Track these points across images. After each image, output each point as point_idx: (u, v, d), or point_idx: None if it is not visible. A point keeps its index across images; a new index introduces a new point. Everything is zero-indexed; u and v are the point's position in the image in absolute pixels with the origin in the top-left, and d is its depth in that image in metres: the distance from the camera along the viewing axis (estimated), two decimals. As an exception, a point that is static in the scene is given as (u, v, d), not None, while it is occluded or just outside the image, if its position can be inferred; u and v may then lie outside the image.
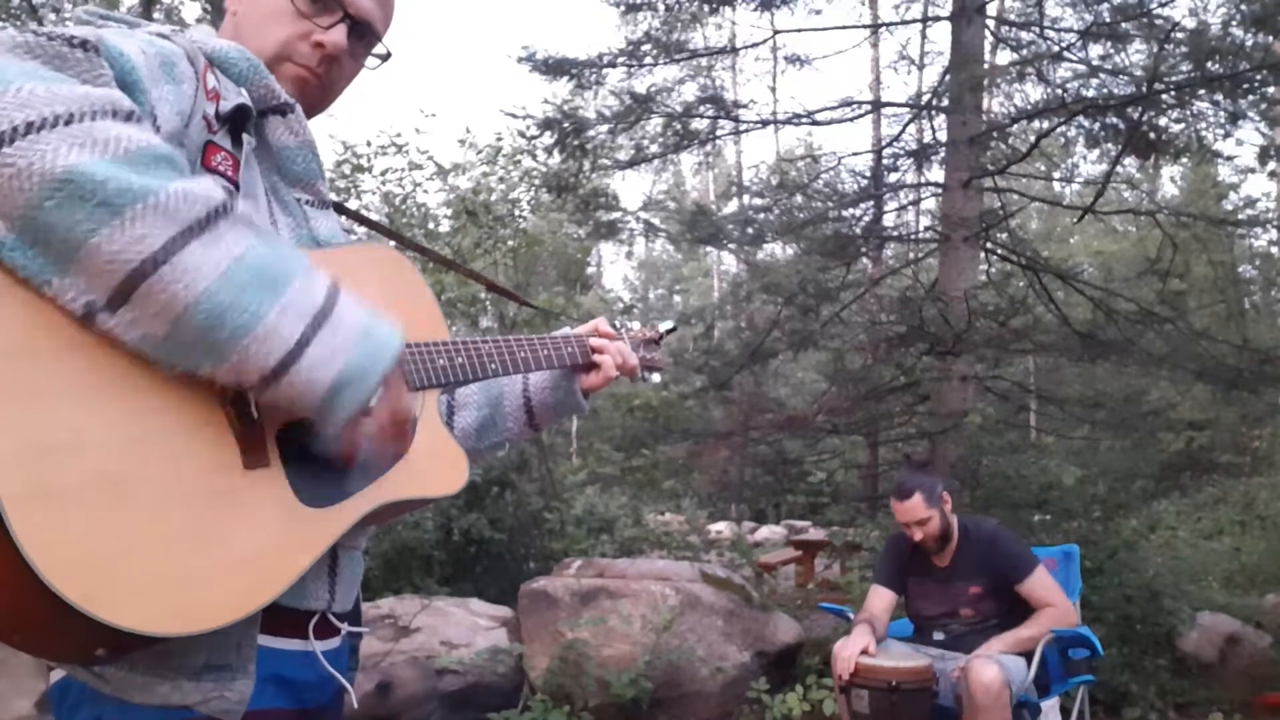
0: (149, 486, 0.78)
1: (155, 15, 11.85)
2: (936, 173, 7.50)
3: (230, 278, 0.77)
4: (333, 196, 1.20)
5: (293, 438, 0.89)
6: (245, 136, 0.99)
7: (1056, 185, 14.64)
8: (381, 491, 0.98)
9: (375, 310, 0.90)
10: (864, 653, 3.12)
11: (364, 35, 1.13)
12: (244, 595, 0.83)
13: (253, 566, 0.84)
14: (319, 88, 1.12)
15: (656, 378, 1.56)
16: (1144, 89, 5.99)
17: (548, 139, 7.33)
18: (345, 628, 1.08)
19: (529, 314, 7.37)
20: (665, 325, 1.61)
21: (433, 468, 1.06)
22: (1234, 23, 6.10)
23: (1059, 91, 7.07)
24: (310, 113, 1.12)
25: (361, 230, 1.56)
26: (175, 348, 0.78)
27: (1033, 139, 7.05)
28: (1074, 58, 7.06)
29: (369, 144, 9.14)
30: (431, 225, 9.86)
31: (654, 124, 7.51)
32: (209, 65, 0.98)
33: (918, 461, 3.61)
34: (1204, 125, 6.80)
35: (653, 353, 1.55)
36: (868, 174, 7.92)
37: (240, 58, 1.01)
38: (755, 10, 7.49)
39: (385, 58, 1.18)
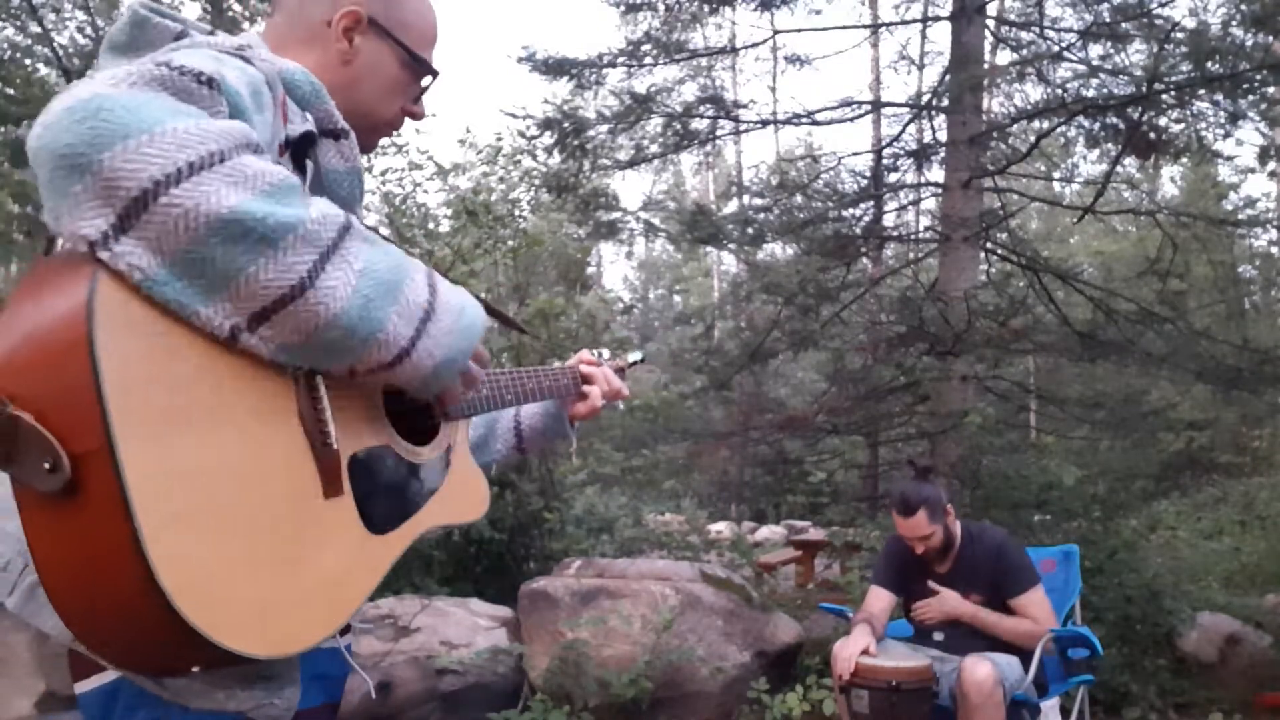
0: (247, 513, 0.82)
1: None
2: (936, 173, 7.51)
3: (359, 292, 0.84)
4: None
5: (359, 468, 0.96)
6: (307, 163, 1.03)
7: (1056, 185, 14.64)
8: (425, 519, 1.06)
9: (461, 290, 0.99)
10: (864, 653, 3.12)
11: None
12: (326, 618, 0.89)
13: (333, 590, 0.90)
14: None
15: (620, 406, 1.67)
16: (1144, 89, 6.00)
17: (548, 139, 7.34)
18: (355, 624, 1.14)
19: (530, 313, 7.37)
20: (634, 356, 1.69)
21: (464, 495, 1.14)
22: (1234, 23, 6.10)
23: (1059, 91, 7.07)
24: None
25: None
26: (308, 353, 0.86)
27: (1033, 139, 7.05)
28: (1074, 58, 7.06)
29: (369, 144, 9.12)
30: (431, 225, 9.86)
31: (654, 124, 7.51)
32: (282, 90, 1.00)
33: (920, 468, 3.60)
34: (1204, 125, 6.81)
35: (622, 380, 1.62)
36: (868, 174, 7.92)
37: (304, 80, 1.03)
38: (755, 10, 7.50)
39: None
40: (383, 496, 0.99)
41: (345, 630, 1.11)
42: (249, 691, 0.91)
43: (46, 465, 0.70)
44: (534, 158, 8.83)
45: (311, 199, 0.84)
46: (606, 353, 1.60)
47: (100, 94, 0.74)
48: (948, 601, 3.33)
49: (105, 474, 0.71)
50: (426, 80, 1.19)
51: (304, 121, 1.01)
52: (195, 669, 0.81)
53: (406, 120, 1.22)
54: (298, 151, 1.01)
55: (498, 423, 1.46)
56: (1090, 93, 6.97)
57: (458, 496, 1.12)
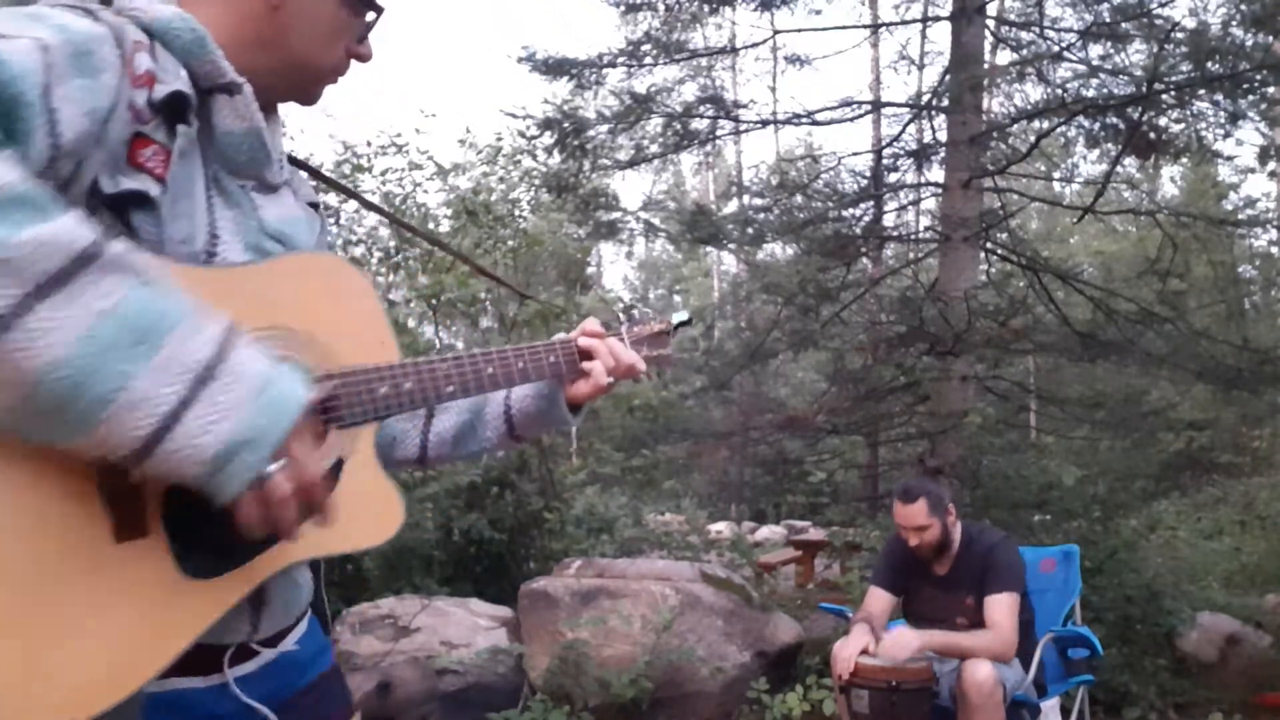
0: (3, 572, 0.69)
1: None
2: (936, 173, 7.49)
3: (92, 338, 0.66)
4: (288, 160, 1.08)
5: (180, 501, 0.79)
6: (181, 127, 0.87)
7: (1056, 185, 14.62)
8: (288, 552, 0.87)
9: (283, 355, 0.80)
10: (863, 653, 3.12)
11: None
12: (95, 691, 0.73)
13: (113, 653, 0.75)
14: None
15: (664, 373, 1.44)
16: (1144, 89, 5.99)
17: (548, 139, 7.33)
18: (266, 651, 0.98)
19: (530, 314, 7.36)
20: (678, 317, 1.41)
21: (358, 516, 0.93)
22: (1234, 23, 6.09)
23: (1059, 91, 7.06)
24: (289, 103, 1.06)
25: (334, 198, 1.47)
26: (29, 421, 0.68)
27: (1033, 139, 7.04)
28: (1074, 58, 7.06)
29: (369, 144, 9.14)
30: (432, 225, 9.87)
31: (654, 124, 7.50)
32: (144, 45, 0.85)
33: (930, 468, 3.60)
34: (1204, 125, 6.79)
35: (660, 349, 1.38)
36: (868, 174, 7.91)
37: (184, 28, 0.88)
38: (755, 10, 7.49)
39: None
40: (215, 531, 0.79)
41: (243, 656, 0.96)
42: None
43: None
44: (534, 158, 8.84)
45: (55, 216, 0.67)
46: (650, 313, 1.40)
47: None
48: (908, 644, 3.10)
49: None
50: (370, 16, 1.05)
51: (177, 79, 0.86)
52: None
53: (354, 65, 1.07)
54: (173, 114, 0.86)
55: (486, 407, 1.25)
56: (1090, 93, 6.97)
57: (351, 519, 0.90)
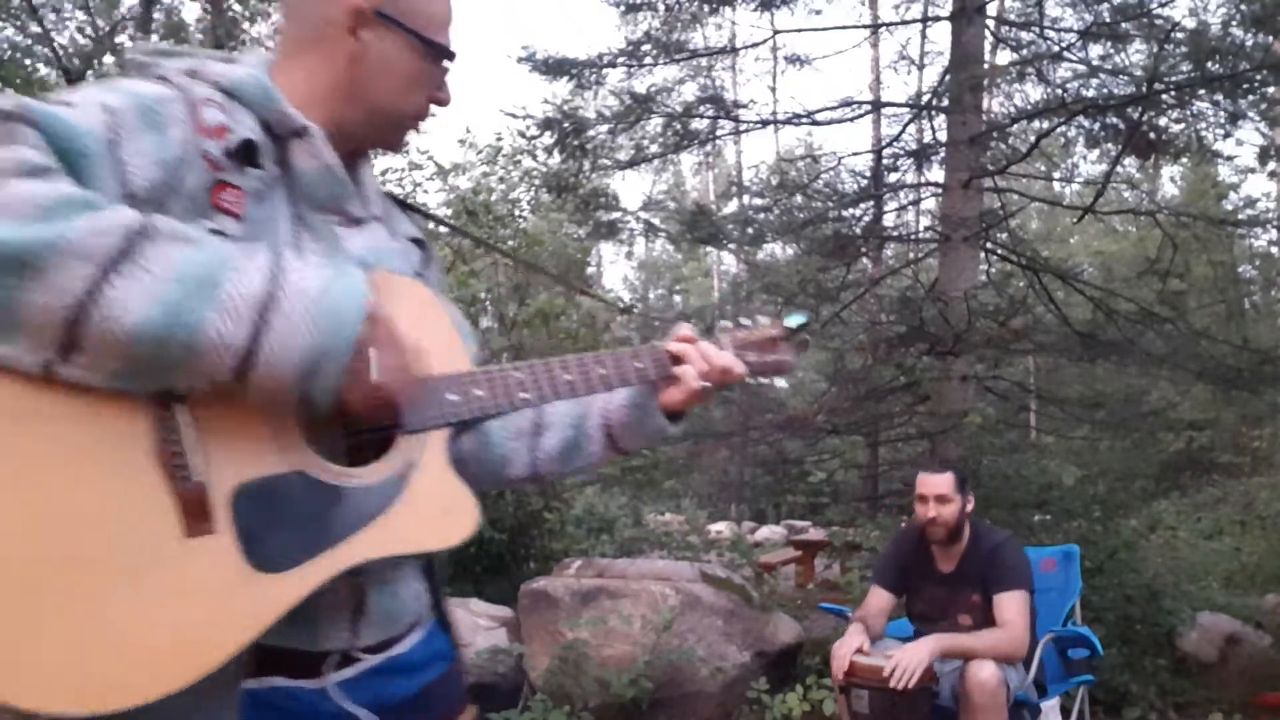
0: (72, 563, 0.78)
1: (155, 15, 11.85)
2: (936, 173, 7.49)
3: (162, 297, 0.77)
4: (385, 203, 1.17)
5: (247, 500, 0.86)
6: (252, 170, 0.97)
7: (1056, 185, 14.63)
8: (357, 550, 0.91)
9: (334, 265, 0.89)
10: (859, 651, 3.11)
11: None
12: (162, 673, 0.80)
13: (187, 636, 0.81)
14: None
15: (781, 383, 1.31)
16: (1144, 89, 5.99)
17: (548, 139, 7.33)
18: (367, 657, 1.03)
19: (530, 314, 7.36)
20: (793, 320, 1.29)
21: (426, 518, 0.97)
22: (1234, 23, 6.10)
23: (1059, 91, 7.06)
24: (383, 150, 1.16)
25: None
26: (137, 375, 0.80)
27: (1033, 139, 7.04)
28: (1074, 58, 7.05)
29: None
30: (432, 225, 9.85)
31: (654, 124, 7.50)
32: (214, 101, 0.96)
33: (944, 461, 3.61)
34: (1204, 125, 6.79)
35: (771, 354, 1.28)
36: (868, 174, 7.91)
37: (253, 85, 1.00)
38: (755, 10, 7.48)
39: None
40: (282, 529, 0.87)
41: (347, 663, 1.01)
42: None
43: None
44: (534, 158, 8.84)
45: (99, 210, 0.78)
46: (765, 319, 1.29)
47: None
48: (919, 652, 3.02)
49: None
50: (446, 64, 1.11)
51: (247, 129, 0.97)
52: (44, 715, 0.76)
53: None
54: (246, 159, 0.96)
55: (586, 421, 1.23)
56: (1090, 93, 6.96)
57: (415, 521, 0.95)
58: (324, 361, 0.84)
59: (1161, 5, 6.46)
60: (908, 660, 2.96)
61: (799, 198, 7.90)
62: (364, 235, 1.08)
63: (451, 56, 1.11)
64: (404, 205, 1.24)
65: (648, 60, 7.40)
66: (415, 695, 1.07)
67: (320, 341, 0.83)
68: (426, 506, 0.98)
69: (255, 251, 0.84)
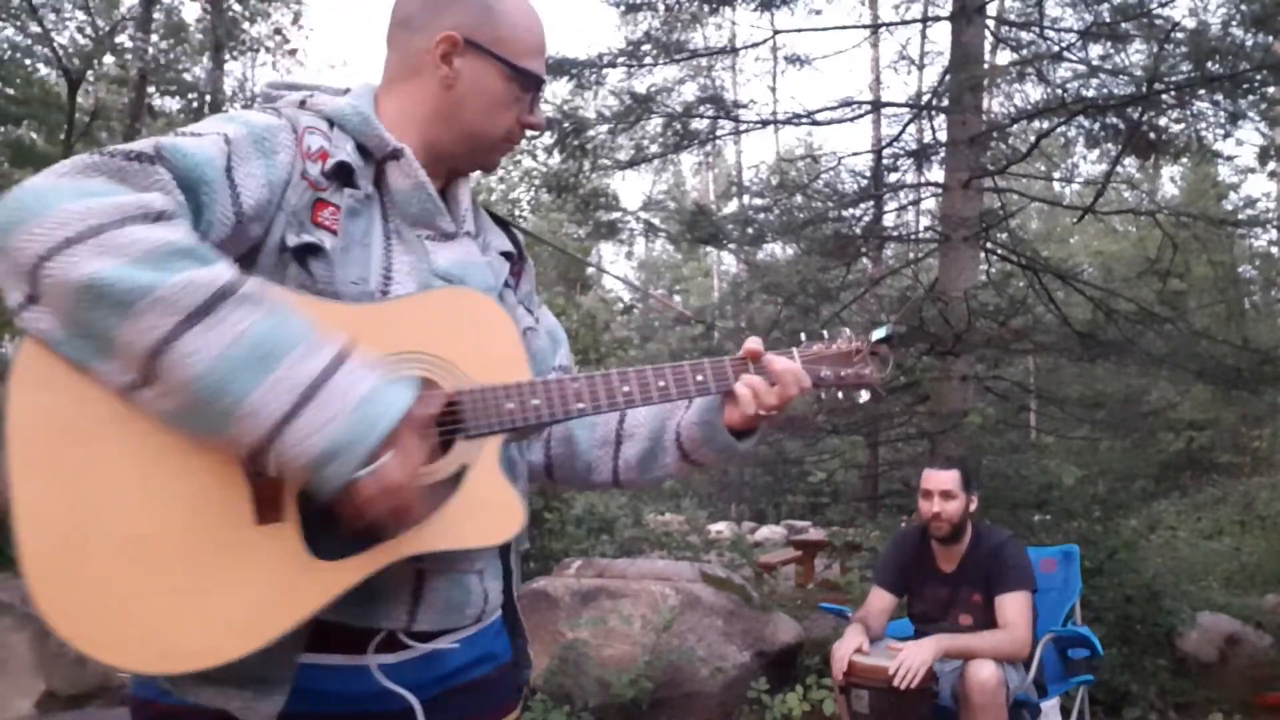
0: (159, 542, 0.90)
1: (155, 15, 11.84)
2: (936, 173, 7.50)
3: (227, 356, 0.85)
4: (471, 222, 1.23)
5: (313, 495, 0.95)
6: (348, 190, 1.07)
7: (1056, 185, 14.63)
8: (407, 544, 0.99)
9: (389, 374, 0.95)
10: (858, 651, 3.11)
11: None
12: (229, 641, 0.91)
13: (250, 612, 0.92)
14: None
15: (864, 396, 1.28)
16: (1144, 89, 6.00)
17: (548, 139, 7.34)
18: (418, 646, 1.07)
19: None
20: (878, 334, 1.25)
21: (475, 517, 1.04)
22: (1234, 23, 6.10)
23: (1059, 91, 7.06)
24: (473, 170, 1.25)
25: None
26: (190, 419, 0.89)
27: (1033, 139, 7.05)
28: (1074, 58, 7.05)
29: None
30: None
31: (654, 124, 7.50)
32: (317, 129, 1.08)
33: (948, 458, 3.60)
34: (1204, 125, 6.81)
35: (849, 367, 1.25)
36: (868, 174, 7.91)
37: (353, 113, 1.10)
38: (755, 10, 7.48)
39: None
40: (339, 522, 0.94)
41: (393, 647, 1.05)
42: (239, 691, 0.96)
43: None
44: (534, 158, 8.87)
45: (197, 264, 0.87)
46: (848, 332, 1.27)
47: (27, 185, 0.87)
48: (922, 652, 3.02)
49: (7, 510, 0.85)
50: (537, 88, 1.20)
51: (345, 153, 1.07)
52: (122, 674, 0.86)
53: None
54: (343, 179, 1.07)
55: (664, 433, 1.25)
56: (1090, 93, 6.97)
57: (465, 520, 1.02)
58: (337, 463, 0.89)
59: (1161, 5, 6.46)
60: (911, 660, 2.96)
61: (799, 198, 7.91)
62: (453, 249, 1.15)
63: (541, 83, 1.19)
64: (500, 221, 1.33)
65: (648, 60, 7.40)
66: (464, 686, 1.13)
67: (336, 444, 0.88)
68: (479, 506, 1.05)
69: (325, 342, 0.91)
